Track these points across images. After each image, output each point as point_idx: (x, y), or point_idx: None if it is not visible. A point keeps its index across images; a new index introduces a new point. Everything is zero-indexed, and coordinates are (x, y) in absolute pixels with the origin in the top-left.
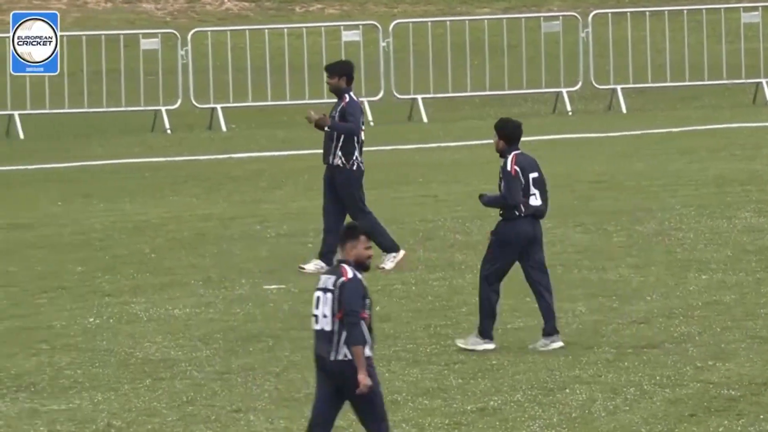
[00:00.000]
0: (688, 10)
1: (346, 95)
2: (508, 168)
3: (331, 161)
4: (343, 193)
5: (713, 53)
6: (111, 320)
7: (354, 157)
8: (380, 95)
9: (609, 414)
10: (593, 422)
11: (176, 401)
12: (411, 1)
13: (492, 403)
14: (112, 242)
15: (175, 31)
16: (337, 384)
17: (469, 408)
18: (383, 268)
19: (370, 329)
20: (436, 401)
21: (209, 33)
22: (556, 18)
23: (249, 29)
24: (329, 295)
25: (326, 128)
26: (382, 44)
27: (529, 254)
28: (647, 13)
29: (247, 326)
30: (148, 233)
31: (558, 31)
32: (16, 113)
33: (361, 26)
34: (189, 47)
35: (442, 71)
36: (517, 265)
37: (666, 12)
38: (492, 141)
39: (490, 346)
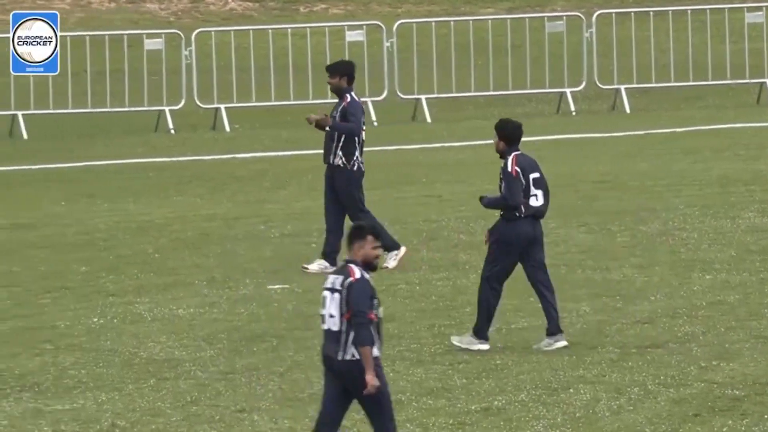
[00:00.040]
0: (692, 10)
1: (348, 95)
2: (509, 169)
3: (331, 161)
4: (342, 194)
5: (717, 53)
6: (115, 320)
7: (355, 158)
8: (384, 95)
9: (613, 414)
10: (597, 422)
11: (180, 401)
12: (415, 2)
13: (496, 402)
14: (116, 242)
15: (178, 31)
16: (345, 384)
17: (473, 408)
18: (386, 267)
19: (378, 329)
20: (440, 401)
21: (213, 33)
22: (559, 18)
23: (253, 29)
24: (336, 295)
25: (327, 128)
26: (386, 44)
27: (529, 254)
28: (651, 13)
29: (251, 326)
30: (152, 233)
31: (562, 31)
32: (19, 113)
33: (364, 26)
34: (193, 47)
35: (446, 71)
36: (519, 265)
37: (670, 12)
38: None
39: (484, 346)
